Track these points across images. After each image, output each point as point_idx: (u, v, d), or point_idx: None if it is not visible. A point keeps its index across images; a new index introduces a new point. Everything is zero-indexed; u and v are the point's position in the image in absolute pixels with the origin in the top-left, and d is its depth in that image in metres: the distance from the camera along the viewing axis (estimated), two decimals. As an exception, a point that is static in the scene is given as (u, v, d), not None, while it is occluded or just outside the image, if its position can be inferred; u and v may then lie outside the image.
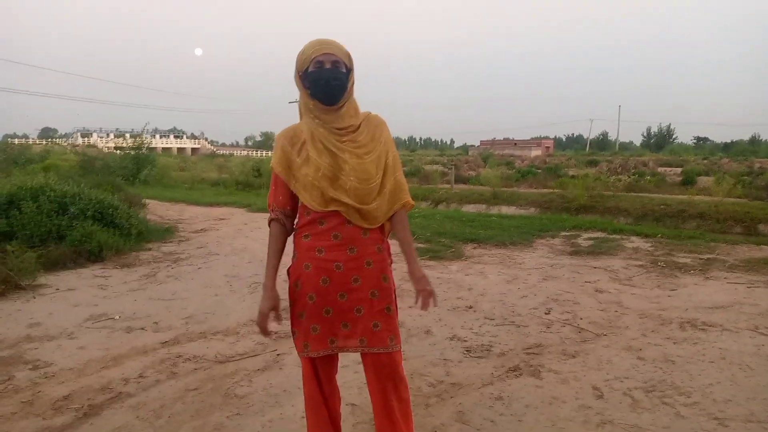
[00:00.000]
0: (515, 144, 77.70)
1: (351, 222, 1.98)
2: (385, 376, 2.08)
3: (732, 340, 3.93)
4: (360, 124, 2.04)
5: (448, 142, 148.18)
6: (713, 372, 3.38)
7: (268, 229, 2.09)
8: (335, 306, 2.01)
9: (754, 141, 76.28)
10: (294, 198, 2.04)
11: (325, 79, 1.94)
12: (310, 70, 1.96)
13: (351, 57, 2.03)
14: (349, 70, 2.02)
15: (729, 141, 77.32)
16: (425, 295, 2.06)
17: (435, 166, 28.92)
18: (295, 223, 2.10)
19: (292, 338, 2.14)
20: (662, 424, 2.76)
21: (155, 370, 3.51)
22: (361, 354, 2.11)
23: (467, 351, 3.80)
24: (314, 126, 2.00)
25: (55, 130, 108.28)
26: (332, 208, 1.96)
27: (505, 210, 13.48)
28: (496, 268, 6.30)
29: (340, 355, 2.19)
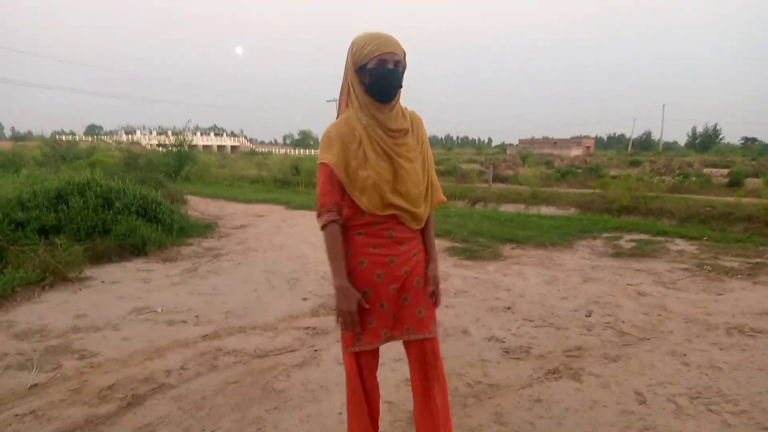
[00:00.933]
0: (555, 143, 76.47)
1: (403, 222, 2.05)
2: (428, 363, 2.12)
3: (782, 347, 3.78)
4: (411, 126, 2.07)
5: (486, 141, 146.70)
6: (762, 380, 3.26)
7: (322, 232, 2.02)
8: (389, 299, 2.06)
9: (807, 141, 73.33)
10: (344, 196, 2.02)
11: (389, 81, 1.96)
12: (370, 66, 1.95)
13: (406, 54, 2.03)
14: (404, 69, 2.03)
15: (779, 141, 74.53)
16: (437, 281, 2.17)
17: (472, 165, 28.74)
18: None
19: (339, 332, 2.13)
20: (708, 432, 2.68)
21: (196, 363, 3.58)
22: (404, 343, 2.15)
23: (505, 352, 3.76)
24: (371, 126, 1.99)
25: (100, 128, 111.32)
26: (389, 212, 2.01)
27: (545, 210, 13.30)
28: (535, 269, 6.21)
29: (379, 352, 2.22)
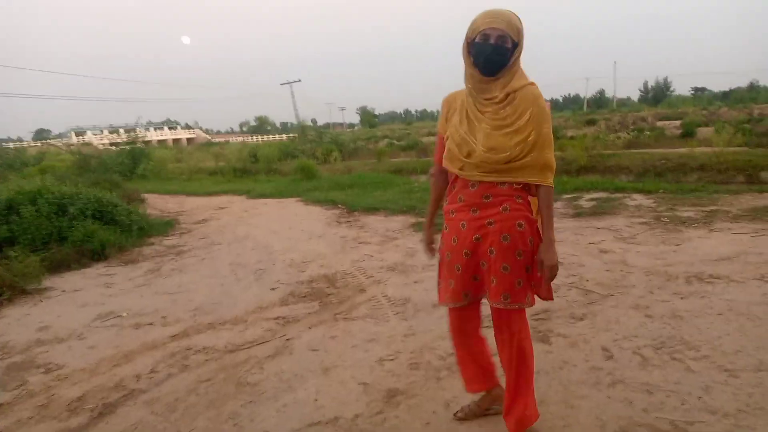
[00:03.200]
0: (513, 108, 76.96)
1: (474, 186, 2.14)
2: (497, 328, 2.31)
3: (739, 290, 3.91)
4: (508, 96, 2.08)
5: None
6: (721, 324, 3.38)
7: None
8: (462, 263, 2.21)
9: (753, 87, 75.29)
10: None
11: (487, 54, 2.02)
12: (476, 41, 2.04)
13: (520, 30, 2.05)
14: (516, 44, 2.05)
15: (727, 89, 76.50)
16: (544, 269, 2.14)
17: (433, 138, 28.77)
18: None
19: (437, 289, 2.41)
20: (673, 380, 2.76)
21: (166, 365, 3.53)
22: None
23: (475, 321, 3.80)
24: (467, 94, 2.16)
25: (49, 131, 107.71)
26: (462, 174, 2.15)
27: (505, 177, 13.40)
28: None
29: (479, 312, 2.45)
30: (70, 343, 4.03)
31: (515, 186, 2.12)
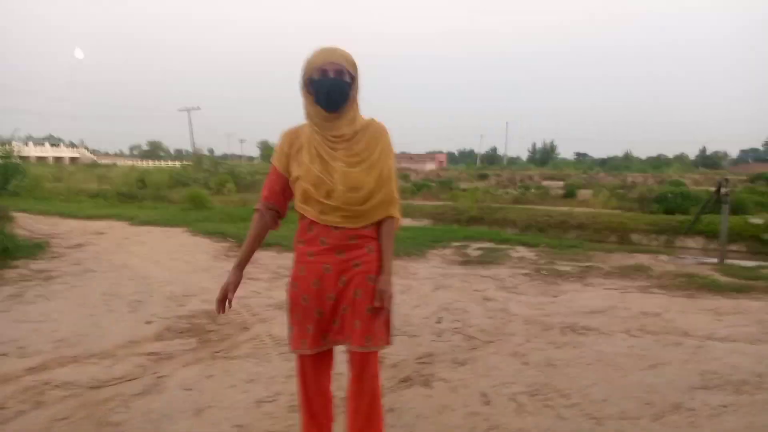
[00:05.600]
0: (411, 158, 79.50)
1: (337, 228, 2.06)
2: (355, 377, 2.21)
3: (607, 342, 4.17)
4: (357, 133, 2.09)
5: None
6: (590, 374, 3.57)
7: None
8: (325, 308, 2.12)
9: (628, 157, 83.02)
10: (284, 195, 2.21)
11: (328, 88, 2.00)
12: (314, 78, 2.02)
13: (356, 65, 2.07)
14: (353, 78, 2.07)
15: (605, 156, 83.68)
16: (382, 296, 2.11)
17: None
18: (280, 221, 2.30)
19: (288, 335, 2.26)
20: (545, 427, 2.86)
21: (18, 400, 3.17)
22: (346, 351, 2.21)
23: (359, 364, 3.76)
24: (312, 132, 2.09)
25: None
26: (323, 218, 2.06)
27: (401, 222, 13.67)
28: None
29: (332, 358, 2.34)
30: None
31: (373, 225, 2.14)
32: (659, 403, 3.13)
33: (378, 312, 2.12)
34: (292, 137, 2.15)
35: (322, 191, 2.03)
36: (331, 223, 2.06)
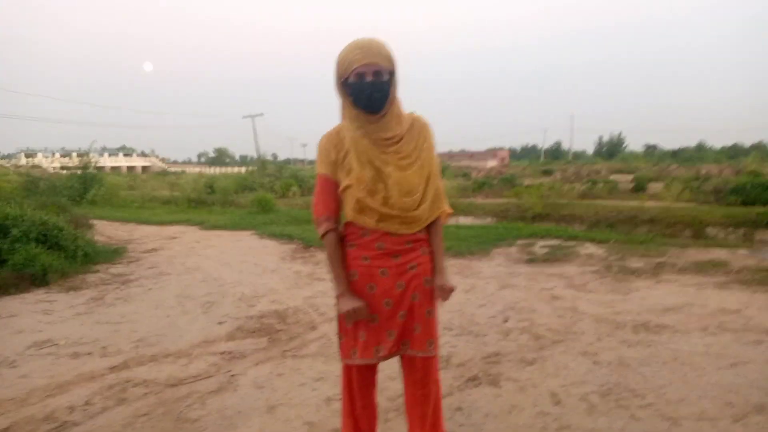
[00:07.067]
0: (471, 156, 78.75)
1: (393, 233, 1.99)
2: (417, 381, 2.14)
3: (683, 341, 4.00)
4: (405, 133, 2.01)
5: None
6: (666, 373, 3.43)
7: (322, 241, 2.06)
8: (381, 313, 2.03)
9: (701, 148, 79.23)
10: (338, 204, 2.04)
11: (368, 93, 1.90)
12: (350, 81, 1.91)
13: (392, 59, 1.94)
14: (392, 74, 1.95)
15: (677, 148, 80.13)
16: (443, 291, 2.10)
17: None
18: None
19: (338, 344, 2.17)
20: (618, 427, 2.77)
21: (103, 397, 3.35)
22: (401, 357, 2.15)
23: (426, 363, 3.76)
24: (357, 136, 1.96)
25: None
26: (371, 223, 1.97)
27: (463, 220, 13.59)
28: (454, 278, 6.29)
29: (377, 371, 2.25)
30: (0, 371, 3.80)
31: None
32: (740, 404, 2.98)
33: (433, 315, 2.10)
34: (336, 142, 2.00)
35: (378, 199, 1.94)
36: (389, 230, 1.98)
